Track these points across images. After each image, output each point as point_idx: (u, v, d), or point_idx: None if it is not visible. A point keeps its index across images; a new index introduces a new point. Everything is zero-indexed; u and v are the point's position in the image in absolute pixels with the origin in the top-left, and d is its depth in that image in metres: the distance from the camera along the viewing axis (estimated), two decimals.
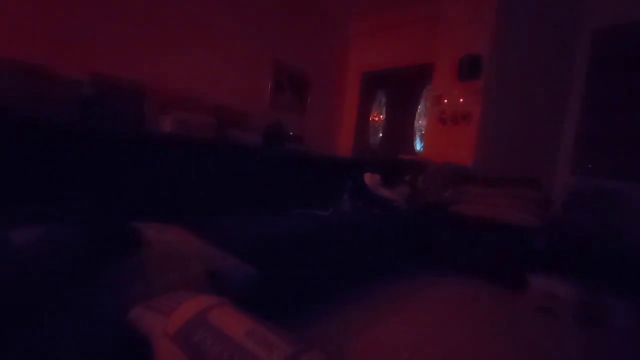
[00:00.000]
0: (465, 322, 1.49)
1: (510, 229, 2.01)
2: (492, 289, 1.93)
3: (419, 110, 4.02)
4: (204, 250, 0.62)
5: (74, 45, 2.38)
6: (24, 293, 0.41)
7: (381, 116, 4.50)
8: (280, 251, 1.18)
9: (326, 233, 1.49)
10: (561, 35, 3.16)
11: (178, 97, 2.87)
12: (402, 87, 4.18)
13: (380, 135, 4.50)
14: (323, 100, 4.41)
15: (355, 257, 1.66)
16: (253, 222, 1.29)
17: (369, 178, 2.44)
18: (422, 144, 3.87)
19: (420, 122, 3.98)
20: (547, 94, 3.16)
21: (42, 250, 0.46)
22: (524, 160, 3.05)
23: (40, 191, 0.96)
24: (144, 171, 1.25)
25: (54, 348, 0.42)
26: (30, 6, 2.20)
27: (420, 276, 2.02)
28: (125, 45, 2.64)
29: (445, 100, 3.11)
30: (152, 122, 2.57)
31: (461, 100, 2.99)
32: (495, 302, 1.79)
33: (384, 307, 1.53)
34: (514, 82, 2.98)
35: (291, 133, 3.59)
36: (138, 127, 2.37)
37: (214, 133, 2.78)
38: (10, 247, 0.43)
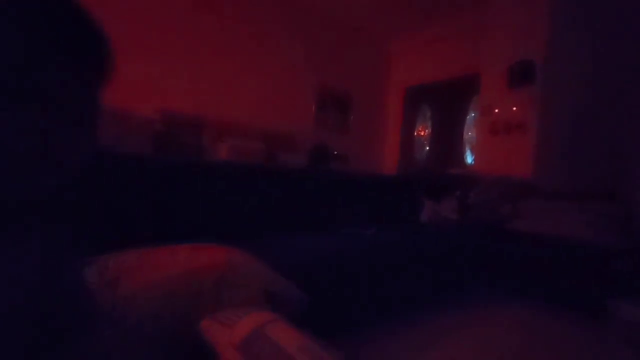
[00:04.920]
0: (538, 353, 1.35)
1: (585, 248, 1.80)
2: (562, 316, 1.73)
3: (467, 122, 3.86)
4: (262, 271, 0.69)
5: (146, 87, 2.78)
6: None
7: (427, 130, 4.40)
8: (329, 270, 1.22)
9: (373, 252, 1.49)
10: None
11: (231, 126, 3.15)
12: (448, 99, 4.06)
13: (427, 149, 4.38)
14: (366, 118, 4.47)
15: (404, 276, 1.62)
16: (301, 242, 1.36)
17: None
18: (472, 157, 3.67)
19: (469, 134, 3.81)
20: (622, 92, 2.83)
21: None
22: (597, 171, 2.73)
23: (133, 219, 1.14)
24: (205, 196, 1.40)
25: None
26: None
27: (478, 299, 1.88)
28: (187, 83, 3.00)
29: (496, 110, 2.96)
30: (210, 150, 2.86)
31: (514, 108, 2.82)
32: (571, 332, 1.60)
33: (437, 331, 1.45)
34: (576, 84, 2.73)
35: (335, 152, 3.68)
36: (198, 156, 2.65)
37: (263, 157, 2.98)
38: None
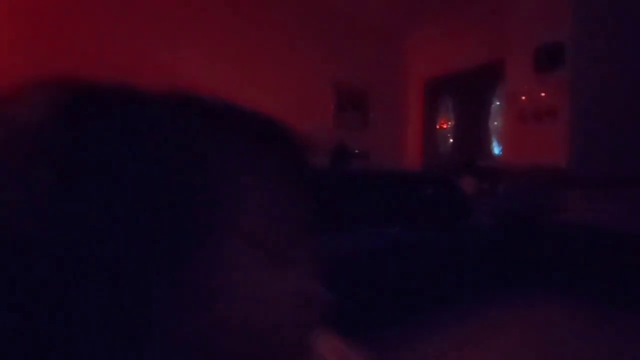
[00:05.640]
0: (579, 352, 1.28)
1: (629, 238, 1.68)
2: (610, 311, 1.62)
3: (492, 111, 3.70)
4: None
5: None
6: None
7: (450, 122, 4.27)
8: (354, 270, 1.22)
9: (398, 251, 1.48)
10: None
11: None
12: (470, 89, 3.92)
13: (451, 141, 4.25)
14: (387, 113, 4.40)
15: (432, 276, 1.59)
16: (326, 243, 1.37)
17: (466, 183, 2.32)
18: (500, 147, 3.52)
19: (495, 124, 3.65)
20: None
21: None
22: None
23: None
24: None
25: None
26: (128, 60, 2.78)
27: (513, 297, 1.80)
28: (208, 86, 3.09)
29: (523, 97, 2.82)
30: None
31: (543, 94, 2.68)
32: (613, 327, 1.50)
33: (470, 333, 1.41)
34: (609, 64, 2.54)
35: (356, 150, 3.66)
36: None
37: None
38: None
